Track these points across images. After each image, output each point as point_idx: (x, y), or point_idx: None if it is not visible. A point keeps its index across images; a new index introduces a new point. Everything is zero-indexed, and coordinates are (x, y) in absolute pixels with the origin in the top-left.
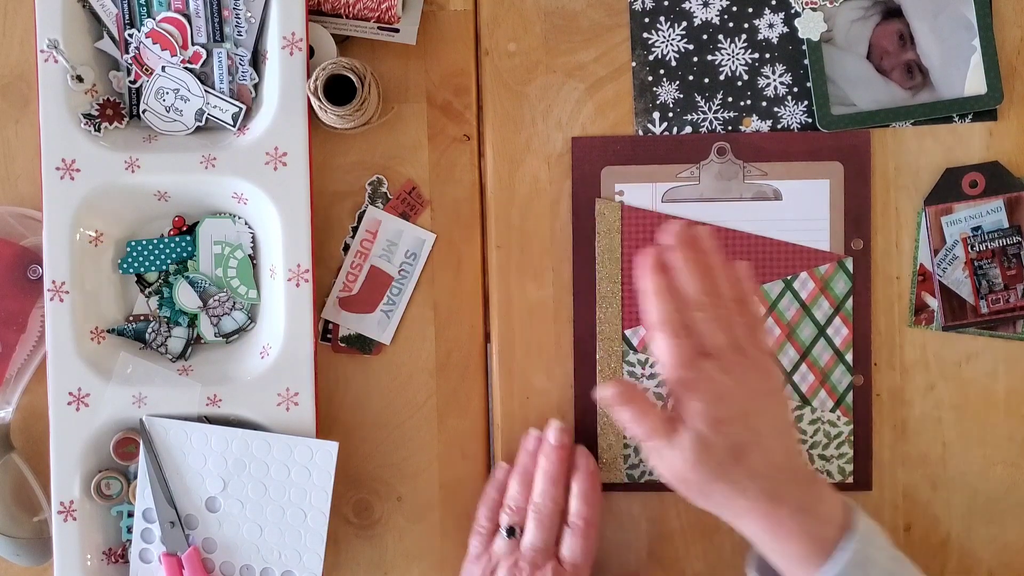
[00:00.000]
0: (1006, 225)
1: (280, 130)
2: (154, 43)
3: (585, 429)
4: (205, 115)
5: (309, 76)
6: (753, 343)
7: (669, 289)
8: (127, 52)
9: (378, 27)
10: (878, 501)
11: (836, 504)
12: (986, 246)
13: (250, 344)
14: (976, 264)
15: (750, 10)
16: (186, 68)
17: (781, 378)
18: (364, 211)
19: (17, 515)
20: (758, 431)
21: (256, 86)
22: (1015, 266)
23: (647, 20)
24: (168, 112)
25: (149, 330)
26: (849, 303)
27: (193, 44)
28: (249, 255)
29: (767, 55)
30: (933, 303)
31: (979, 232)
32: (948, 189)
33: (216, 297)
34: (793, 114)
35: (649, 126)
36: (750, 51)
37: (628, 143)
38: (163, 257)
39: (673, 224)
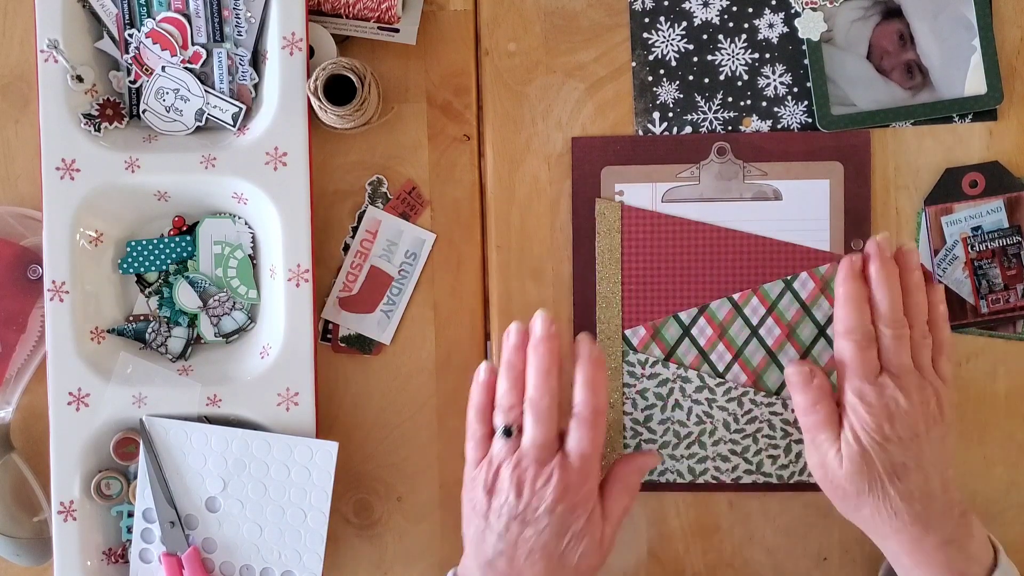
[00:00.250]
0: (1006, 225)
1: (280, 130)
2: (154, 43)
3: None
4: (205, 115)
5: (309, 76)
6: (934, 368)
7: (863, 299)
8: (127, 52)
9: (378, 27)
10: None
11: (983, 542)
12: (986, 246)
13: (250, 344)
14: (976, 264)
15: (750, 10)
16: (186, 68)
17: (954, 408)
18: (364, 211)
19: (17, 515)
20: (920, 456)
21: (256, 86)
22: (1015, 266)
23: (647, 20)
24: (168, 112)
25: (149, 330)
26: None
27: (193, 44)
28: (249, 255)
29: (767, 55)
30: None
31: (979, 232)
32: (948, 189)
33: (216, 297)
34: (793, 114)
35: (649, 126)
36: (750, 51)
37: (628, 143)
38: (163, 257)
39: (882, 238)
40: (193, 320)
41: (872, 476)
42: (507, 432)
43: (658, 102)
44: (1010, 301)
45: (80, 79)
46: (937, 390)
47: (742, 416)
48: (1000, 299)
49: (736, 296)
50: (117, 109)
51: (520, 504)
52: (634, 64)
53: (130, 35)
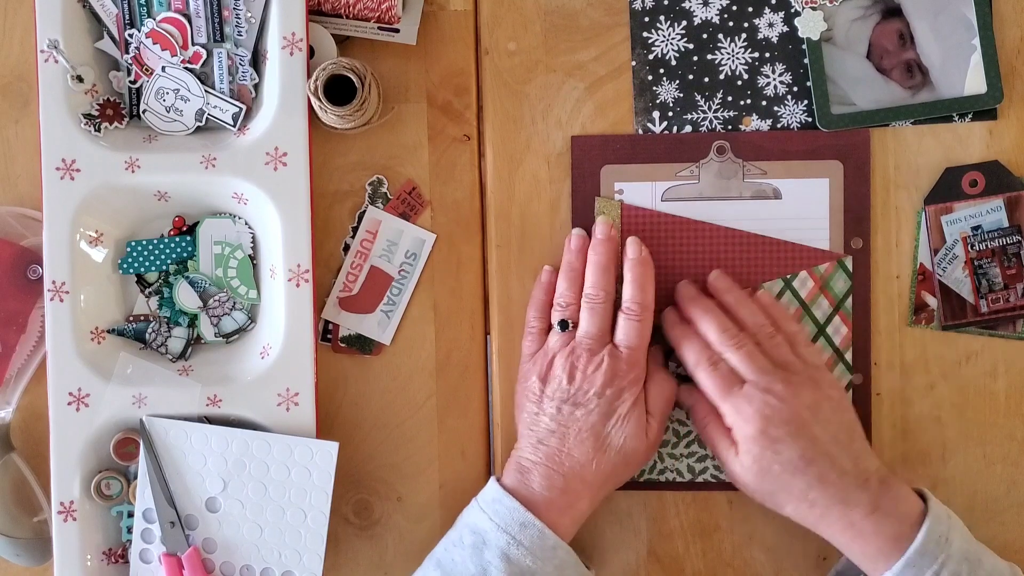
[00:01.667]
0: (1006, 224)
1: (280, 130)
2: (154, 43)
3: None
4: (205, 115)
5: (309, 76)
6: (795, 358)
7: (693, 333)
8: (127, 52)
9: (378, 27)
10: None
11: (908, 499)
12: (986, 245)
13: (250, 344)
14: (976, 263)
15: (750, 9)
16: (186, 68)
17: (837, 385)
18: (364, 211)
19: (17, 515)
20: (815, 443)
21: (256, 86)
22: (1015, 265)
23: (647, 19)
24: (168, 112)
25: (149, 330)
26: (849, 302)
27: (193, 44)
28: (249, 255)
29: (767, 54)
30: (933, 302)
31: (979, 231)
32: (948, 188)
33: (216, 297)
34: (793, 113)
35: (649, 125)
36: (750, 50)
37: (628, 142)
38: (163, 257)
39: (681, 287)
40: (193, 320)
41: (776, 478)
42: (563, 326)
43: (658, 101)
44: (1010, 300)
45: (80, 79)
46: (810, 375)
47: None
48: (1000, 298)
49: None
50: (117, 109)
51: (572, 388)
52: (634, 63)
53: (130, 35)
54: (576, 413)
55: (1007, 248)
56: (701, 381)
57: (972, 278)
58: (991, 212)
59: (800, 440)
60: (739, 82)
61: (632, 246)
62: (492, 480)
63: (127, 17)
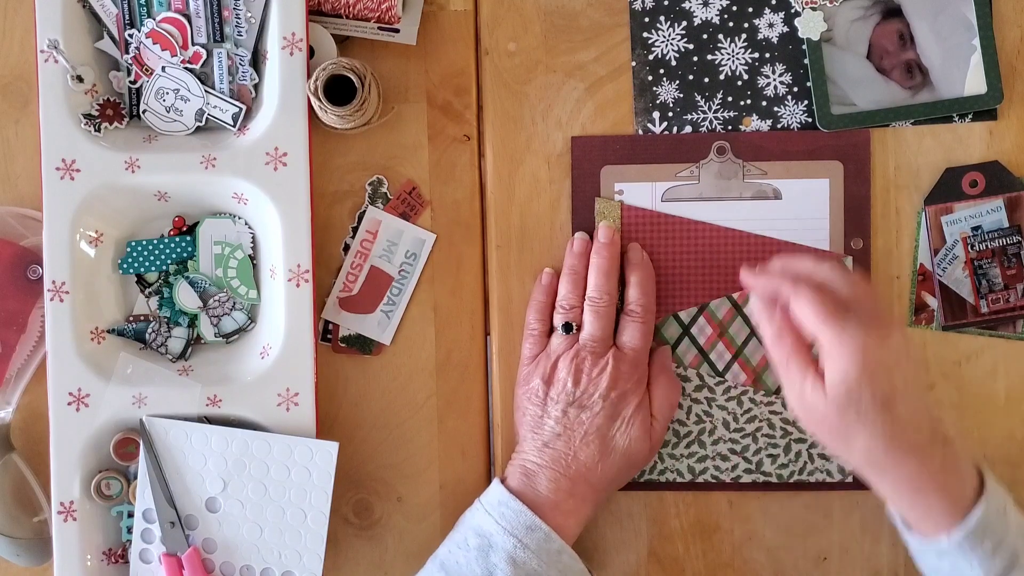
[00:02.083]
0: (1006, 225)
1: (280, 130)
2: (154, 43)
3: None
4: (205, 115)
5: (309, 76)
6: (888, 313)
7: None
8: (127, 52)
9: (378, 27)
10: (878, 501)
11: (969, 464)
12: (986, 246)
13: (250, 344)
14: (976, 264)
15: (750, 10)
16: (186, 68)
17: (914, 346)
18: (364, 211)
19: (17, 515)
20: (903, 386)
21: (256, 86)
22: (1015, 266)
23: (647, 20)
24: (168, 112)
25: (149, 330)
26: None
27: (193, 44)
28: (249, 255)
29: (767, 55)
30: (933, 303)
31: (979, 232)
32: (948, 189)
33: (216, 297)
34: (793, 113)
35: (649, 125)
36: (750, 51)
37: (628, 142)
38: (163, 257)
39: (771, 265)
40: (193, 320)
41: (862, 407)
42: (567, 328)
43: (658, 102)
44: (1010, 301)
45: (80, 79)
46: (898, 326)
47: (742, 415)
48: (1000, 299)
49: (736, 295)
50: (117, 109)
51: (578, 391)
52: (634, 64)
53: (130, 35)
54: (582, 416)
55: (1007, 248)
56: (803, 304)
57: (972, 278)
58: (991, 212)
59: (895, 378)
60: (739, 82)
61: (634, 251)
62: (496, 482)
63: (127, 17)
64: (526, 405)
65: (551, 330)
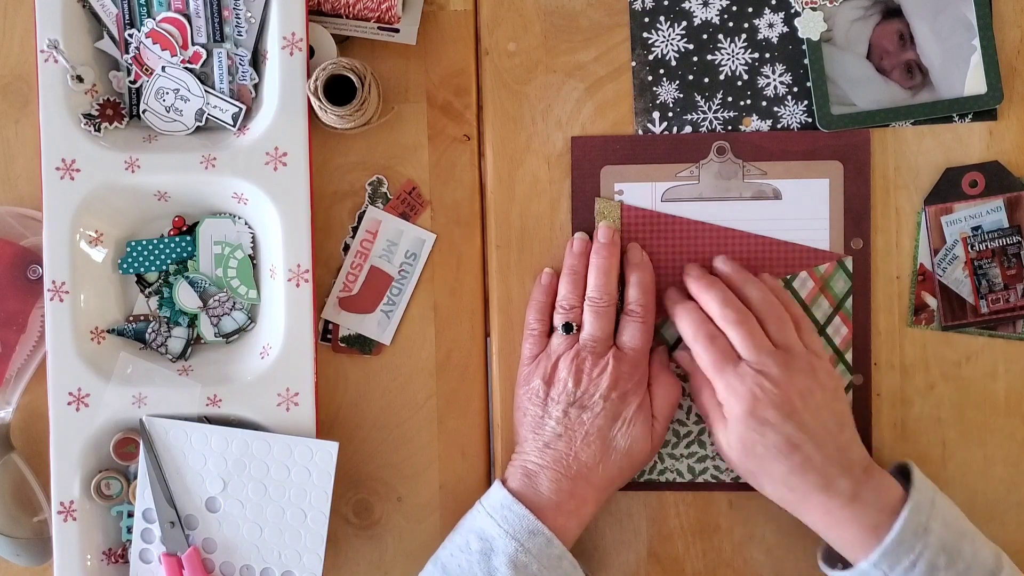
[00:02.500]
0: (1006, 225)
1: (280, 130)
2: (154, 43)
3: None
4: (205, 115)
5: (309, 76)
6: (797, 341)
7: (694, 308)
8: (127, 52)
9: (378, 27)
10: None
11: (890, 488)
12: (986, 246)
13: (250, 344)
14: (976, 264)
15: (750, 10)
16: (186, 68)
17: (833, 374)
18: (364, 211)
19: (17, 515)
20: (804, 429)
21: (256, 86)
22: (1015, 266)
23: (647, 20)
24: (168, 112)
25: (149, 330)
26: (849, 302)
27: (193, 44)
28: (249, 255)
29: (767, 55)
30: (933, 303)
31: (979, 232)
32: (948, 189)
33: (216, 297)
34: (793, 114)
35: (649, 126)
36: (750, 51)
37: (627, 142)
38: (163, 257)
39: (687, 267)
40: (193, 320)
41: (759, 459)
42: (567, 328)
43: (658, 102)
44: (1010, 301)
45: (80, 79)
46: (809, 361)
47: None
48: (1000, 299)
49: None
50: (117, 109)
51: (578, 391)
52: (634, 64)
53: (130, 35)
54: (583, 416)
55: (1007, 248)
56: (697, 354)
57: (972, 278)
58: (991, 212)
59: (787, 425)
60: (739, 82)
61: (633, 251)
62: (498, 484)
63: (127, 17)
64: (527, 405)
65: (551, 330)
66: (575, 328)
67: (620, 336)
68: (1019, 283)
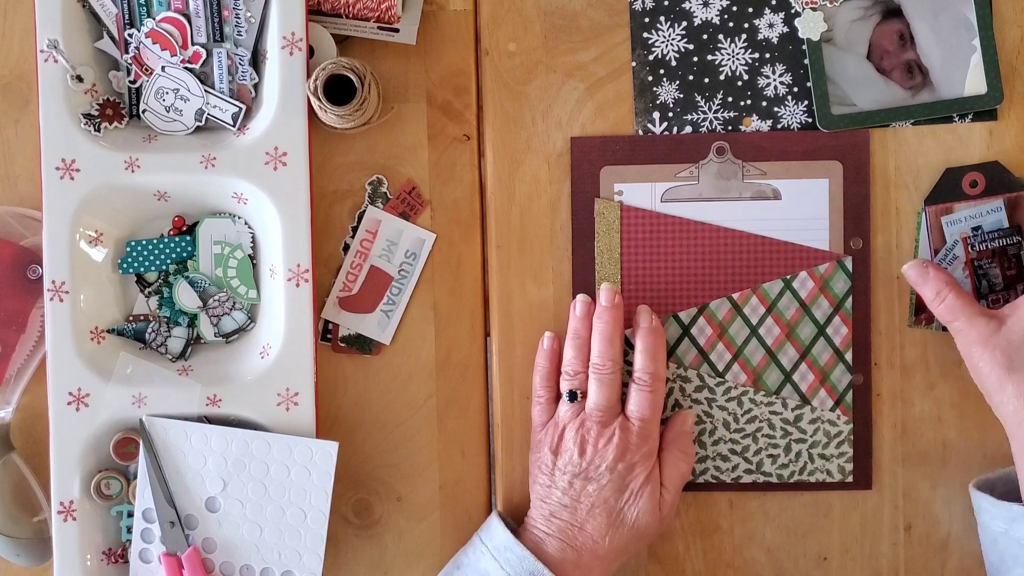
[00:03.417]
0: (1006, 225)
1: (280, 130)
2: (154, 43)
3: None
4: (205, 115)
5: (309, 76)
6: None
7: None
8: (127, 52)
9: (378, 27)
10: (878, 501)
11: None
12: (986, 246)
13: (250, 344)
14: (976, 264)
15: (750, 10)
16: (186, 68)
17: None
18: (364, 211)
19: (17, 515)
20: None
21: (256, 86)
22: (1015, 266)
23: (647, 20)
24: (168, 112)
25: (149, 330)
26: (849, 302)
27: (193, 44)
28: (249, 255)
29: (767, 55)
30: None
31: (979, 232)
32: (948, 189)
33: (216, 297)
34: (793, 114)
35: (649, 126)
36: (750, 51)
37: (627, 143)
38: (163, 257)
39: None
40: (193, 320)
41: None
42: (572, 396)
43: (658, 102)
44: (1010, 301)
45: (80, 79)
46: None
47: (742, 416)
48: (1000, 299)
49: (735, 296)
50: (117, 109)
51: (583, 462)
52: (634, 64)
53: (130, 35)
54: (588, 488)
55: (1007, 249)
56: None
57: (972, 279)
58: (991, 213)
59: None
60: (739, 83)
61: (643, 315)
62: (499, 523)
63: (127, 17)
64: (536, 473)
65: (559, 395)
66: (580, 395)
67: (627, 405)
68: (1019, 283)
